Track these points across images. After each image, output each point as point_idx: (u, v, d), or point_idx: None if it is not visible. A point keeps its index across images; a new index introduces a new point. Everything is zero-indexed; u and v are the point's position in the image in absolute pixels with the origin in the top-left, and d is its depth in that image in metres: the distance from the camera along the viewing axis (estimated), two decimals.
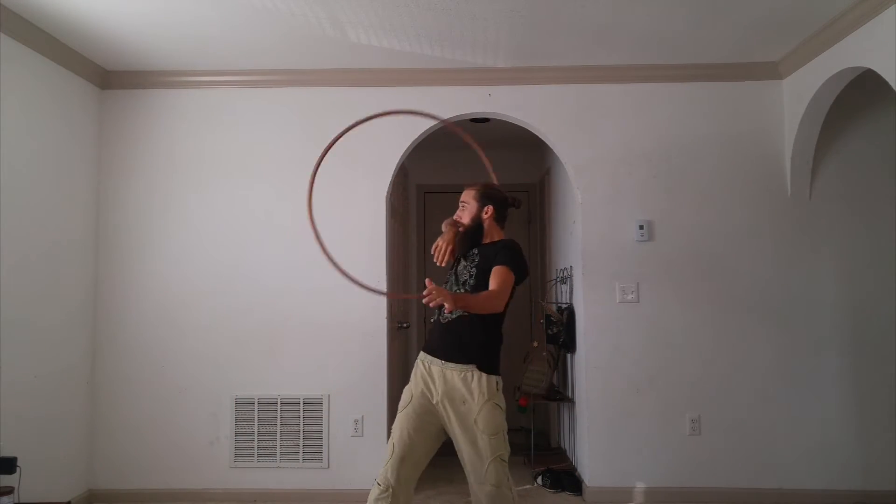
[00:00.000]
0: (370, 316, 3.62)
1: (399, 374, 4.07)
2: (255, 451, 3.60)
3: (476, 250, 2.51)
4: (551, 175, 4.77)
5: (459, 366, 2.35)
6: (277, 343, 3.63)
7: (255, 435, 3.60)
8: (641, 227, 3.60)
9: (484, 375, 2.33)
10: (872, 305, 3.54)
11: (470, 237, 2.53)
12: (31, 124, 3.12)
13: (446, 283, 2.55)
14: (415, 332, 5.32)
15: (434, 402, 2.38)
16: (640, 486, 3.54)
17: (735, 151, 3.63)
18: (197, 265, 3.66)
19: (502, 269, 2.35)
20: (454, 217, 2.60)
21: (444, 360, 2.38)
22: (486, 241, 2.54)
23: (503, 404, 2.37)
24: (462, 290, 2.44)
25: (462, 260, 2.53)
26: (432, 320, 2.56)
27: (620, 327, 3.58)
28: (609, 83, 3.67)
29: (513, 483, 2.35)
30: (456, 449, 2.39)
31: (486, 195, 2.55)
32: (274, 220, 3.67)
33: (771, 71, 3.60)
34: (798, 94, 3.46)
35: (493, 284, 2.32)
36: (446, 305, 2.21)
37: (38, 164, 3.17)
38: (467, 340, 2.38)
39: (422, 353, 2.49)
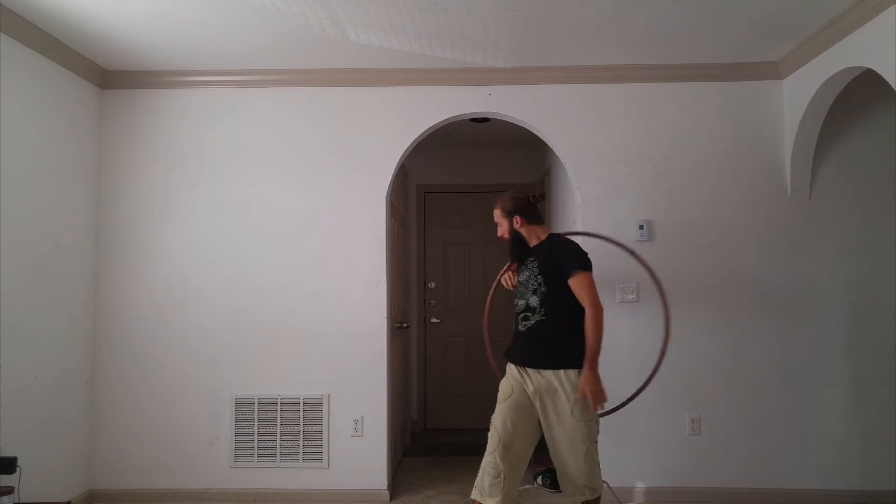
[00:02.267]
0: (370, 316, 3.62)
1: (399, 375, 4.07)
2: (255, 451, 3.60)
3: (531, 257, 2.69)
4: (551, 175, 4.77)
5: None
6: (277, 343, 3.63)
7: (255, 435, 3.60)
8: (641, 227, 3.60)
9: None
10: (872, 305, 3.54)
11: (517, 249, 2.72)
12: (31, 124, 3.12)
13: (516, 298, 2.74)
14: (415, 332, 5.33)
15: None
16: (640, 486, 3.54)
17: (735, 151, 3.63)
18: (197, 265, 3.66)
19: (578, 278, 2.53)
20: (499, 234, 2.78)
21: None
22: (534, 243, 2.72)
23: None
24: (537, 299, 2.62)
25: (523, 271, 2.70)
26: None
27: (620, 327, 3.58)
28: (609, 83, 3.66)
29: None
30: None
31: (510, 208, 2.72)
32: (274, 221, 3.67)
33: (771, 71, 3.60)
34: (798, 94, 3.46)
35: (582, 298, 2.55)
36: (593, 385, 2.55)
37: (38, 165, 3.17)
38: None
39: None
